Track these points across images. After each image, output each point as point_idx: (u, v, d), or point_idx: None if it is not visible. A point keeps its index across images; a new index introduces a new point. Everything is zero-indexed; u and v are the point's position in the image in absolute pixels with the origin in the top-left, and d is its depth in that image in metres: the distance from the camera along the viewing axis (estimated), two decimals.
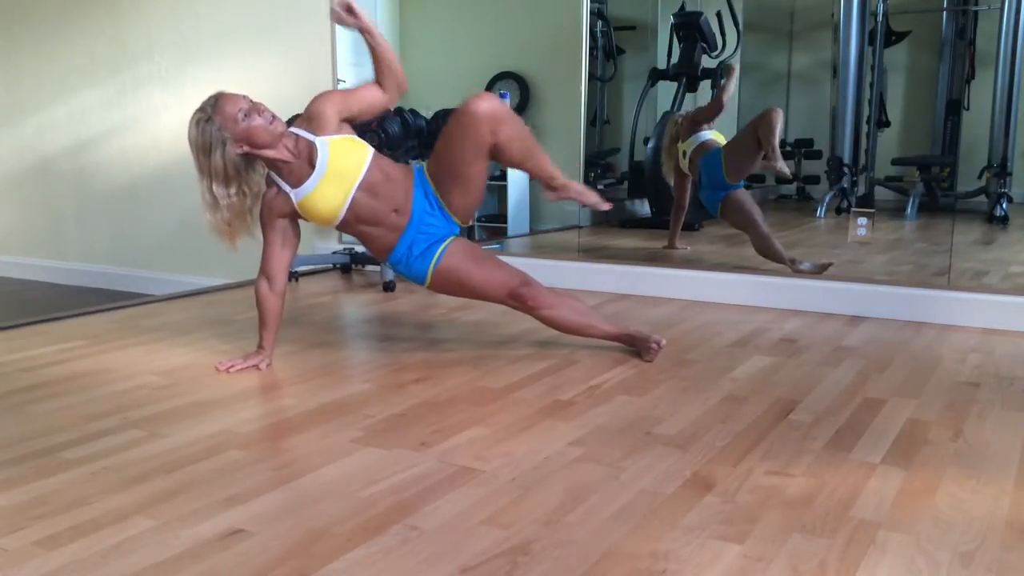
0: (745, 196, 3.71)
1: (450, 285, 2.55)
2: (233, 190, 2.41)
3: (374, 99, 2.52)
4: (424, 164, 2.58)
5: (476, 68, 4.42)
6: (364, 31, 2.45)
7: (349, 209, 2.46)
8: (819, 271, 3.38)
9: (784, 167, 3.61)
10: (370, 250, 2.61)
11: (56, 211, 5.78)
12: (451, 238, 2.55)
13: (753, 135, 3.67)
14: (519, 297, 2.53)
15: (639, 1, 4.63)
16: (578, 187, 2.55)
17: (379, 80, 2.51)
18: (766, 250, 3.55)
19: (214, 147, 2.35)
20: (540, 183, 2.55)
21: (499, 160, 2.47)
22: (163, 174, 5.18)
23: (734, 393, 2.26)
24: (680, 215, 3.97)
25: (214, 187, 2.38)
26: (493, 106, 2.37)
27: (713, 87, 4.07)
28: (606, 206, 2.58)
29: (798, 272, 3.40)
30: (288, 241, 2.52)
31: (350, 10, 2.42)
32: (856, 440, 1.92)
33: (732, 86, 3.89)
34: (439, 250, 2.51)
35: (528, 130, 2.47)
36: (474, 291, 2.55)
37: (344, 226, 2.53)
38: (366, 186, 2.46)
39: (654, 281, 3.57)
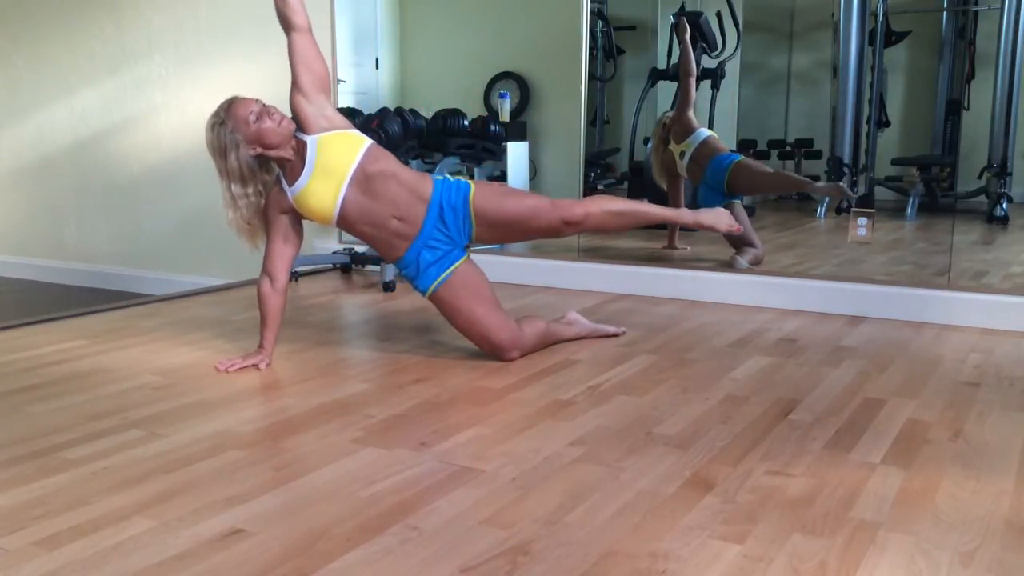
0: (742, 212, 3.74)
1: (444, 311, 2.58)
2: (250, 190, 2.49)
3: (304, 50, 2.52)
4: (448, 176, 2.58)
5: (476, 68, 4.42)
6: None
7: (343, 205, 2.47)
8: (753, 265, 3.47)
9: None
10: (379, 253, 2.62)
11: (56, 211, 5.78)
12: (462, 259, 2.54)
13: (769, 183, 3.89)
14: (498, 353, 2.56)
15: (639, 1, 4.63)
16: None
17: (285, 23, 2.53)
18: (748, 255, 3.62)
19: (229, 149, 2.43)
20: None
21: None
22: (163, 174, 5.18)
23: (734, 393, 2.26)
24: None
25: (233, 187, 2.47)
26: (584, 224, 2.51)
27: (713, 87, 4.07)
28: None
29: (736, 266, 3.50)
30: (290, 239, 2.54)
31: None
32: (856, 440, 1.92)
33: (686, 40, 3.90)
34: (447, 271, 2.51)
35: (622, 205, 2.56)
36: (461, 330, 2.58)
37: (345, 224, 2.53)
38: (358, 181, 2.46)
39: (654, 281, 3.57)
